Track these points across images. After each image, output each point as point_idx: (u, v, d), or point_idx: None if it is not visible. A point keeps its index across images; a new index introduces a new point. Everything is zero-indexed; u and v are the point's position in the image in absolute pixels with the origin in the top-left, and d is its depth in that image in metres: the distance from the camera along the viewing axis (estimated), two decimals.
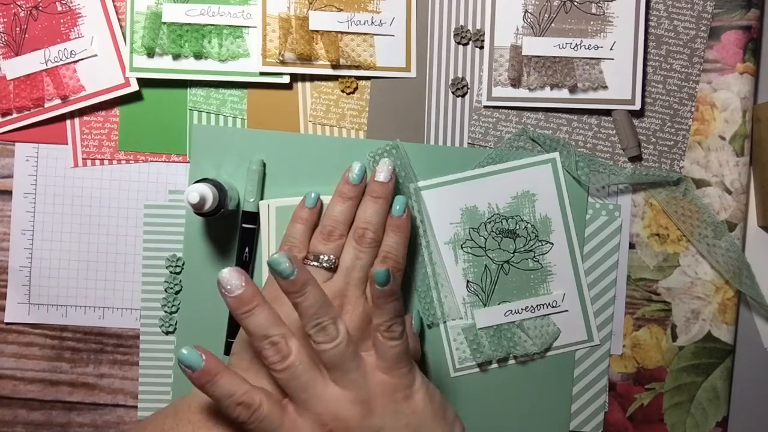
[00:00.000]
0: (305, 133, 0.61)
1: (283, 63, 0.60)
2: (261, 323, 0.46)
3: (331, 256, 0.54)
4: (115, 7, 0.60)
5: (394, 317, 0.48)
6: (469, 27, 0.61)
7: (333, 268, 0.54)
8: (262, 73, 0.60)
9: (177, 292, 0.61)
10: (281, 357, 0.46)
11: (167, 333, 0.61)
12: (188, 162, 0.61)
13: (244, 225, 0.59)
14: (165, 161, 0.61)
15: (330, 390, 0.47)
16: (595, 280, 0.61)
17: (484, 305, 0.60)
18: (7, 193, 0.61)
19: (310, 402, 0.46)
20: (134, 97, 0.61)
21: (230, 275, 0.46)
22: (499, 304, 0.60)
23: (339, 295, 0.53)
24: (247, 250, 0.59)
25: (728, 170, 0.61)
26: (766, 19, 0.62)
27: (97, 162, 0.61)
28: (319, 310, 0.46)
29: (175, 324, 0.61)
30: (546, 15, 0.60)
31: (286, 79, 0.60)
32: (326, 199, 0.58)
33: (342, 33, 0.60)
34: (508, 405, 0.61)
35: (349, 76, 0.61)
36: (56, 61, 0.60)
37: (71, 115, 0.61)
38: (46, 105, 0.60)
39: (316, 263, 0.54)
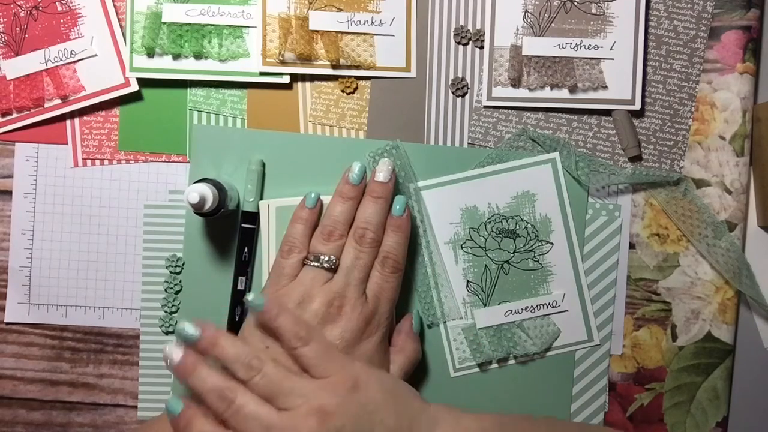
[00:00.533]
0: (305, 133, 0.61)
1: (283, 63, 0.60)
2: (204, 380, 0.48)
3: (332, 257, 0.54)
4: (115, 7, 0.60)
5: (290, 330, 0.50)
6: (469, 27, 0.61)
7: (333, 269, 0.54)
8: (262, 73, 0.60)
9: (177, 292, 0.61)
10: (228, 404, 0.47)
11: (167, 333, 0.61)
12: (188, 162, 0.61)
13: (243, 225, 0.59)
14: (165, 161, 0.61)
15: (283, 417, 0.47)
16: (595, 280, 0.61)
17: (484, 305, 0.60)
18: (7, 193, 0.61)
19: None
20: (134, 97, 0.61)
21: (169, 350, 0.49)
22: (499, 304, 0.60)
23: (339, 296, 0.53)
24: (246, 250, 0.59)
25: (728, 170, 0.61)
26: (766, 19, 0.62)
27: (97, 162, 0.61)
28: (236, 352, 0.49)
29: (175, 324, 0.61)
30: (546, 15, 0.60)
31: (286, 79, 0.60)
32: (327, 199, 0.58)
33: (342, 33, 0.60)
34: (508, 405, 0.61)
35: (349, 76, 0.61)
36: (56, 61, 0.60)
37: (71, 115, 0.61)
38: (46, 105, 0.60)
39: (316, 264, 0.54)
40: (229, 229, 0.60)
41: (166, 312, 0.61)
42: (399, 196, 0.57)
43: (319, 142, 0.61)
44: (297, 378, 0.49)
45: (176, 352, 0.49)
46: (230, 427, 0.48)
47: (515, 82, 0.60)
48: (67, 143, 0.61)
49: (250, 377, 0.48)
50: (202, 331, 0.49)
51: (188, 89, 0.61)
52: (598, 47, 0.60)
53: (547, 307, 0.60)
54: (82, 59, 0.60)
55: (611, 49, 0.60)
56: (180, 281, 0.61)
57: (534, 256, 0.60)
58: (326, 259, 0.54)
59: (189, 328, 0.49)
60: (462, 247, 0.60)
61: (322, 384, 0.49)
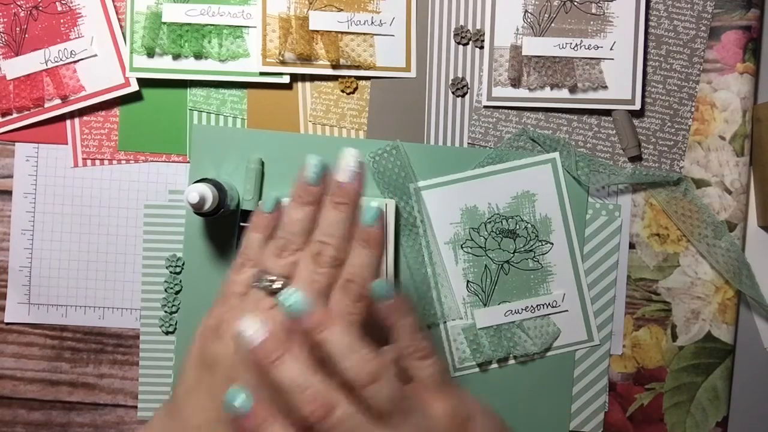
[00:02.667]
0: (305, 133, 0.61)
1: (283, 63, 0.60)
2: (294, 371, 0.38)
3: (278, 280, 0.44)
4: (115, 7, 0.60)
5: (415, 332, 0.43)
6: (469, 27, 0.61)
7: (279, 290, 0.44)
8: (262, 73, 0.60)
9: (177, 292, 0.61)
10: (326, 411, 0.37)
11: (167, 333, 0.61)
12: (188, 162, 0.61)
13: (242, 224, 0.59)
14: (165, 161, 0.61)
15: None
16: (595, 280, 0.61)
17: (484, 305, 0.60)
18: (7, 193, 0.61)
19: None
20: (134, 97, 0.61)
21: (250, 324, 0.39)
22: (499, 304, 0.60)
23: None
24: None
25: (728, 170, 0.61)
26: (766, 19, 0.62)
27: (97, 162, 0.61)
28: (352, 347, 0.39)
29: (175, 324, 0.61)
30: (546, 15, 0.60)
31: (286, 79, 0.60)
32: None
33: (342, 33, 0.60)
34: (508, 405, 0.61)
35: (349, 76, 0.61)
36: (56, 61, 0.60)
37: (71, 115, 0.61)
38: (46, 105, 0.60)
39: (261, 285, 0.44)
40: (229, 229, 0.60)
41: (166, 312, 0.61)
42: (370, 201, 0.47)
43: (319, 142, 0.61)
44: (414, 398, 0.41)
45: (259, 329, 0.39)
46: None
47: (515, 82, 0.60)
48: (67, 143, 0.61)
49: (368, 382, 0.38)
50: (313, 306, 0.39)
51: (188, 89, 0.61)
52: (598, 47, 0.60)
53: (547, 307, 0.60)
54: (82, 59, 0.60)
55: (611, 49, 0.60)
56: (180, 281, 0.61)
57: (534, 256, 0.60)
58: (272, 280, 0.44)
59: (298, 297, 0.39)
60: (462, 247, 0.60)
61: (437, 412, 0.42)
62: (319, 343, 0.39)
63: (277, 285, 0.44)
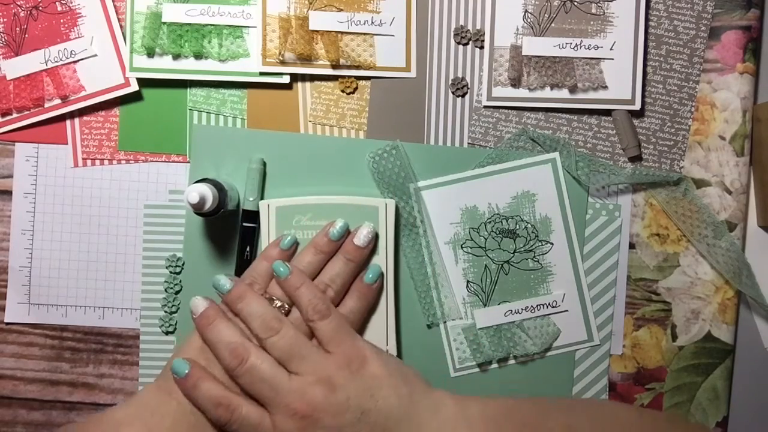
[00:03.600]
0: (305, 133, 0.61)
1: (283, 63, 0.60)
2: (220, 332, 0.51)
3: (285, 304, 0.54)
4: (115, 7, 0.60)
5: (310, 300, 0.52)
6: (469, 27, 0.61)
7: (284, 314, 0.54)
8: (262, 73, 0.60)
9: (177, 292, 0.61)
10: (240, 360, 0.50)
11: (167, 333, 0.61)
12: (188, 162, 0.61)
13: (244, 224, 0.59)
14: (165, 161, 0.61)
15: (293, 380, 0.50)
16: (595, 280, 0.61)
17: (484, 305, 0.60)
18: (7, 193, 0.61)
19: (278, 396, 0.49)
20: (134, 97, 0.61)
21: (196, 300, 0.53)
22: (499, 304, 0.60)
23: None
24: (248, 249, 0.59)
25: (728, 170, 0.61)
26: (766, 19, 0.62)
27: (97, 162, 0.61)
28: (261, 311, 0.52)
29: (175, 324, 0.61)
30: (546, 15, 0.60)
31: (286, 79, 0.60)
32: (325, 199, 0.58)
33: (342, 33, 0.60)
34: None
35: (349, 76, 0.61)
36: (56, 61, 0.60)
37: (71, 115, 0.61)
38: (46, 105, 0.60)
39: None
40: (229, 229, 0.60)
41: (166, 312, 0.61)
42: (375, 265, 0.57)
43: (319, 142, 0.61)
44: (311, 347, 0.52)
45: (201, 304, 0.53)
46: (239, 384, 0.51)
47: (515, 82, 0.60)
48: (67, 143, 0.61)
49: (268, 336, 0.51)
50: (234, 285, 0.53)
51: (188, 89, 0.61)
52: (598, 47, 0.60)
53: (547, 307, 0.60)
54: (82, 59, 0.60)
55: (611, 49, 0.60)
56: (180, 281, 0.61)
57: (534, 256, 0.60)
58: (279, 304, 0.54)
59: (223, 280, 0.53)
60: (462, 247, 0.60)
61: (332, 357, 0.51)
62: (237, 312, 0.53)
63: (282, 309, 0.54)
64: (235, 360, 0.50)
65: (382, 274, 0.57)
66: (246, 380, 0.50)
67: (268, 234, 0.58)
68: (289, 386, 0.50)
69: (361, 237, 0.56)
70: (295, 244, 0.57)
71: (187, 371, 0.51)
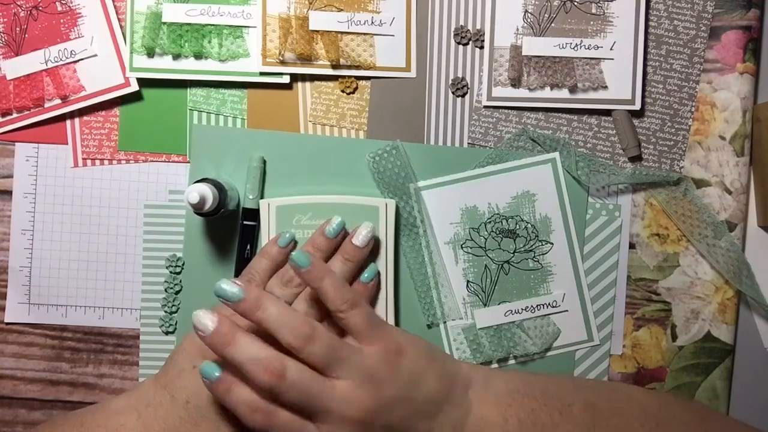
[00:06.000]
0: (305, 133, 0.61)
1: (283, 63, 0.60)
2: (245, 351, 0.46)
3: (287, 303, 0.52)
4: (115, 7, 0.60)
5: (337, 290, 0.50)
6: (469, 27, 0.61)
7: None
8: (262, 73, 0.60)
9: (177, 292, 0.61)
10: (278, 377, 0.45)
11: (167, 333, 0.61)
12: (188, 162, 0.61)
13: (245, 222, 0.59)
14: (165, 161, 0.61)
15: (337, 387, 0.47)
16: (595, 280, 0.61)
17: (484, 305, 0.60)
18: (7, 193, 0.61)
19: (327, 407, 0.46)
20: (134, 97, 0.61)
21: (201, 316, 0.47)
22: (499, 304, 0.60)
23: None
24: (248, 247, 0.59)
25: (728, 170, 0.61)
26: (766, 19, 0.62)
27: (97, 162, 0.61)
28: (286, 317, 0.47)
29: (175, 324, 0.61)
30: (546, 15, 0.60)
31: (286, 79, 0.60)
32: (325, 199, 0.58)
33: (342, 33, 0.60)
34: None
35: (349, 76, 0.61)
36: (56, 61, 0.60)
37: (71, 115, 0.61)
38: (46, 105, 0.60)
39: None
40: (229, 228, 0.60)
41: (166, 312, 0.61)
42: (372, 264, 0.56)
43: (319, 142, 0.61)
44: (347, 345, 0.48)
45: (209, 319, 0.46)
46: (279, 401, 0.46)
47: (515, 82, 0.60)
48: (67, 143, 0.61)
49: (305, 345, 0.46)
50: (245, 291, 0.47)
51: (188, 89, 0.61)
52: (598, 47, 0.60)
53: (547, 307, 0.60)
54: (82, 59, 0.60)
55: (611, 49, 0.60)
56: (180, 281, 0.61)
57: (534, 256, 0.60)
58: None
59: (228, 286, 0.47)
60: (462, 247, 0.60)
61: (370, 351, 0.49)
62: (258, 322, 0.47)
63: None
64: (273, 377, 0.45)
65: (377, 272, 0.57)
66: (290, 396, 0.46)
67: (268, 233, 0.58)
68: (335, 394, 0.46)
69: (360, 237, 0.55)
70: (293, 241, 0.56)
71: (218, 375, 0.46)
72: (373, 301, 0.57)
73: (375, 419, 0.47)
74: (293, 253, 0.50)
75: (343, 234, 0.56)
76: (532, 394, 0.51)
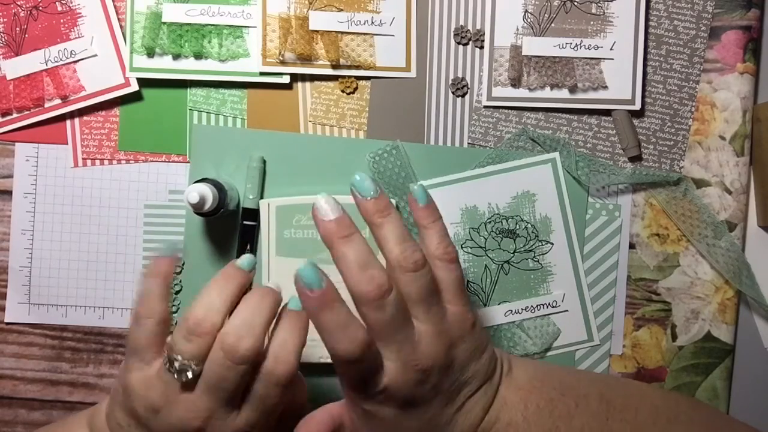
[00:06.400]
0: (305, 133, 0.61)
1: (283, 63, 0.60)
2: (358, 251, 0.43)
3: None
4: (115, 7, 0.60)
5: (444, 236, 0.47)
6: (469, 27, 0.61)
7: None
8: (262, 73, 0.60)
9: (177, 292, 0.61)
10: (382, 292, 0.42)
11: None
12: (188, 162, 0.61)
13: (244, 222, 0.59)
14: (165, 161, 0.61)
15: (418, 328, 0.44)
16: (595, 280, 0.61)
17: (484, 305, 0.60)
18: (7, 193, 0.61)
19: (406, 343, 0.44)
20: (134, 97, 0.61)
21: (325, 202, 0.45)
22: (499, 304, 0.60)
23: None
24: (248, 247, 0.59)
25: (728, 170, 0.61)
26: (766, 19, 0.62)
27: (97, 162, 0.61)
28: (402, 235, 0.44)
29: (175, 324, 0.61)
30: (546, 15, 0.60)
31: (286, 79, 0.60)
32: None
33: (342, 33, 0.60)
34: None
35: (349, 76, 0.61)
36: (56, 61, 0.60)
37: (71, 115, 0.61)
38: (46, 105, 0.60)
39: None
40: (229, 229, 0.60)
41: None
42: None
43: (319, 142, 0.61)
44: (437, 294, 0.46)
45: (333, 208, 0.45)
46: (368, 319, 0.43)
47: (515, 82, 0.60)
48: (67, 143, 0.61)
49: (414, 269, 0.44)
50: (377, 196, 0.45)
51: (188, 89, 0.61)
52: (598, 47, 0.60)
53: (547, 307, 0.60)
54: (82, 59, 0.60)
55: (611, 49, 0.60)
56: (180, 281, 0.61)
57: (534, 256, 0.60)
58: None
59: (367, 182, 0.46)
60: (462, 247, 0.60)
61: (452, 311, 0.46)
62: (377, 225, 0.45)
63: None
64: (377, 290, 0.42)
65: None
66: (381, 315, 0.42)
67: (268, 233, 0.58)
68: (414, 335, 0.44)
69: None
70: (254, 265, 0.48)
71: (324, 285, 0.42)
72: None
73: (433, 374, 0.45)
74: (415, 187, 0.47)
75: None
76: (551, 384, 0.51)
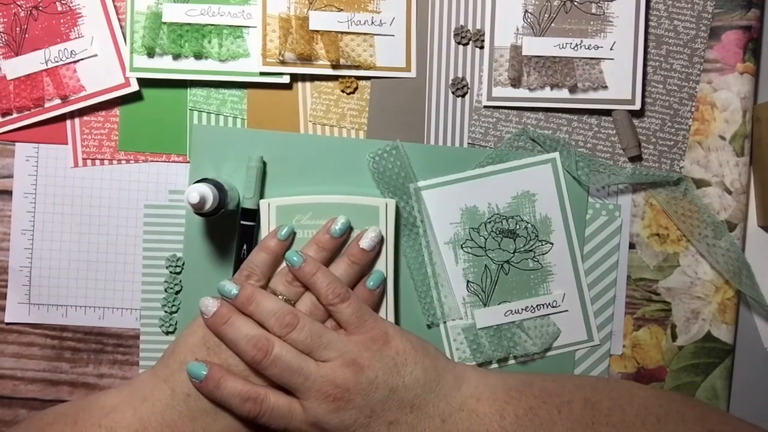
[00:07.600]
0: (305, 133, 0.61)
1: (283, 63, 0.60)
2: (238, 329, 0.51)
3: (290, 299, 0.55)
4: (115, 7, 0.60)
5: (329, 285, 0.53)
6: (469, 27, 0.61)
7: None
8: (262, 73, 0.60)
9: (177, 292, 0.61)
10: (264, 353, 0.50)
11: (167, 333, 0.61)
12: (188, 162, 0.61)
13: (243, 222, 0.59)
14: (165, 161, 0.61)
15: (321, 366, 0.51)
16: (595, 280, 0.61)
17: (484, 305, 0.60)
18: (7, 193, 0.61)
19: (308, 382, 0.50)
20: (134, 97, 0.61)
21: (206, 300, 0.53)
22: (499, 304, 0.60)
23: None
24: (245, 247, 0.59)
25: (728, 170, 0.61)
26: (766, 19, 0.62)
27: (97, 162, 0.61)
28: (274, 308, 0.52)
29: (175, 324, 0.61)
30: (546, 15, 0.60)
31: (286, 79, 0.60)
32: (326, 199, 0.58)
33: (342, 33, 0.60)
34: None
35: (349, 76, 0.61)
36: (56, 61, 0.60)
37: (71, 115, 0.61)
38: (46, 105, 0.60)
39: None
40: (229, 228, 0.60)
41: (166, 312, 0.61)
42: (378, 271, 0.57)
43: (319, 142, 0.61)
44: (332, 332, 0.52)
45: (212, 303, 0.52)
46: (266, 376, 0.51)
47: (515, 82, 0.60)
48: (67, 143, 0.61)
49: (287, 332, 0.51)
50: (240, 288, 0.53)
51: (188, 89, 0.61)
52: (598, 47, 0.60)
53: (547, 307, 0.60)
54: (82, 59, 0.60)
55: (611, 49, 0.60)
56: (180, 281, 0.61)
57: (534, 256, 0.60)
58: (282, 299, 0.54)
59: (228, 285, 0.53)
60: (462, 247, 0.60)
61: (356, 339, 0.52)
62: (251, 314, 0.52)
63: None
64: (259, 353, 0.50)
65: (384, 279, 0.57)
66: (273, 371, 0.50)
67: (268, 233, 0.58)
68: (318, 371, 0.50)
69: (367, 240, 0.56)
70: (293, 234, 0.57)
71: (205, 373, 0.50)
72: (376, 307, 0.57)
73: (353, 398, 0.50)
74: (287, 252, 0.54)
75: (348, 233, 0.56)
76: (531, 392, 0.51)
